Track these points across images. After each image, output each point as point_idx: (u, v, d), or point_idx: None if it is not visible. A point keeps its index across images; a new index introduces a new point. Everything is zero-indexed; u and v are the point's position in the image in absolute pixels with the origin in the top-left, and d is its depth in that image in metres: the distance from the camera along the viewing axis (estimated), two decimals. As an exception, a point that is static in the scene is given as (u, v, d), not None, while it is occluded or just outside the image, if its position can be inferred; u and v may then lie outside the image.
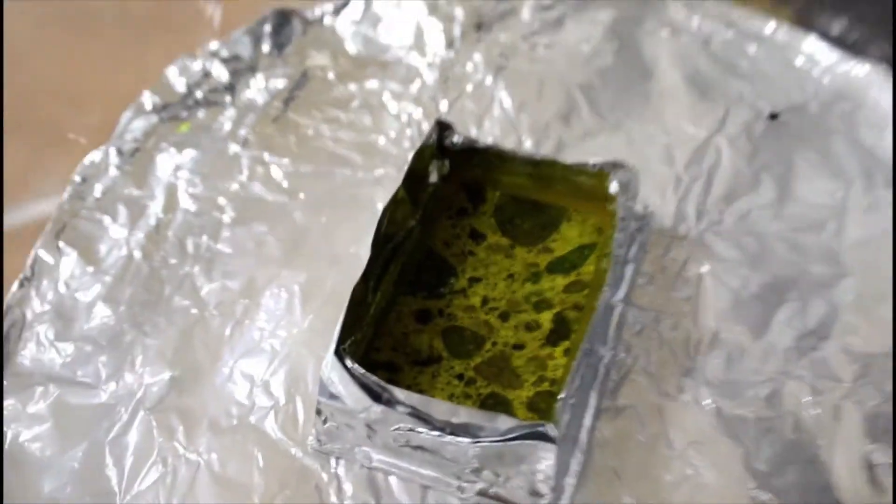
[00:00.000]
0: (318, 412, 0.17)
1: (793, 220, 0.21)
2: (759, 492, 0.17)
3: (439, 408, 0.15)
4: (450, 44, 0.25)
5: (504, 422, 0.15)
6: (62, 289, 0.20)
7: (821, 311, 0.19)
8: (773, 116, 0.23)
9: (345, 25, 0.25)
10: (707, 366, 0.18)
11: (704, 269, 0.20)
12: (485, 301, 0.18)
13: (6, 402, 0.18)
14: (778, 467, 0.17)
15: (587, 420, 0.17)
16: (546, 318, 0.18)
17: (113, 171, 0.22)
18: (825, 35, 0.24)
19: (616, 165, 0.19)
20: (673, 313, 0.19)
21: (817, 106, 0.23)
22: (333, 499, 0.17)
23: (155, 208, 0.21)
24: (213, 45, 0.24)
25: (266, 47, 0.24)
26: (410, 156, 0.19)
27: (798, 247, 0.20)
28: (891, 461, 0.17)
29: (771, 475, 0.17)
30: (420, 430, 0.16)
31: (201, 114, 0.23)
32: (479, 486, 0.16)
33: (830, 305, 0.19)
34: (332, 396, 0.17)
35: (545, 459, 0.15)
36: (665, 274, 0.20)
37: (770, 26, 0.25)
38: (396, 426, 0.16)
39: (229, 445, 0.18)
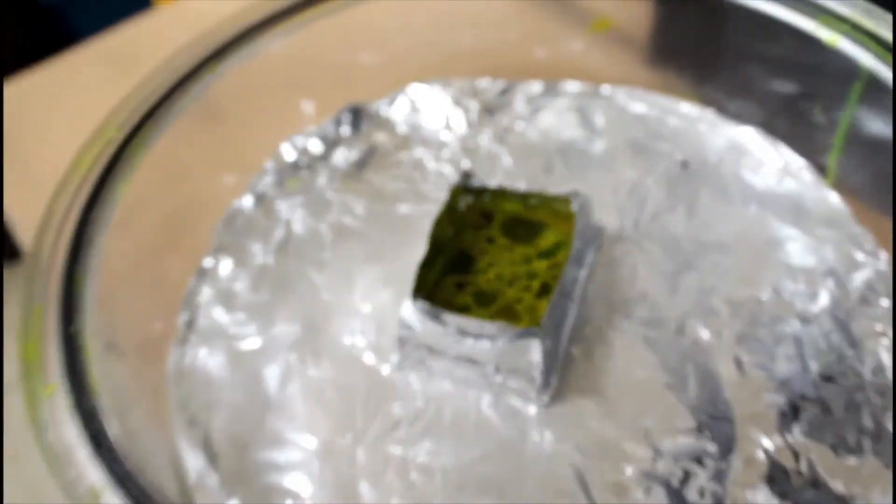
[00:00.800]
0: (400, 341, 0.28)
1: (697, 229, 0.32)
2: (672, 387, 0.27)
3: (476, 324, 0.26)
4: (469, 125, 0.36)
5: (511, 328, 0.26)
6: (224, 281, 0.31)
7: (713, 279, 0.30)
8: (685, 165, 0.34)
9: (397, 114, 0.37)
10: (637, 311, 0.29)
11: (637, 258, 0.31)
12: (497, 276, 0.29)
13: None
14: (683, 371, 0.28)
15: (562, 342, 0.28)
16: (535, 284, 0.29)
17: (250, 210, 0.33)
18: (721, 109, 0.36)
19: (576, 194, 0.30)
20: (615, 283, 0.30)
21: (715, 156, 0.34)
22: (417, 402, 0.27)
23: (279, 233, 0.33)
24: (311, 128, 0.36)
25: (345, 130, 0.36)
26: (446, 195, 0.30)
27: (699, 243, 0.31)
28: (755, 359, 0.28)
29: (678, 372, 0.28)
30: (465, 342, 0.27)
31: (304, 174, 0.35)
32: (499, 379, 0.27)
33: (719, 276, 0.30)
34: (408, 327, 0.27)
35: (535, 353, 0.26)
36: (611, 262, 0.31)
37: (684, 105, 0.36)
38: (453, 343, 0.27)
39: (341, 369, 0.28)
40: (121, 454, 0.21)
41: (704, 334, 0.28)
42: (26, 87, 0.59)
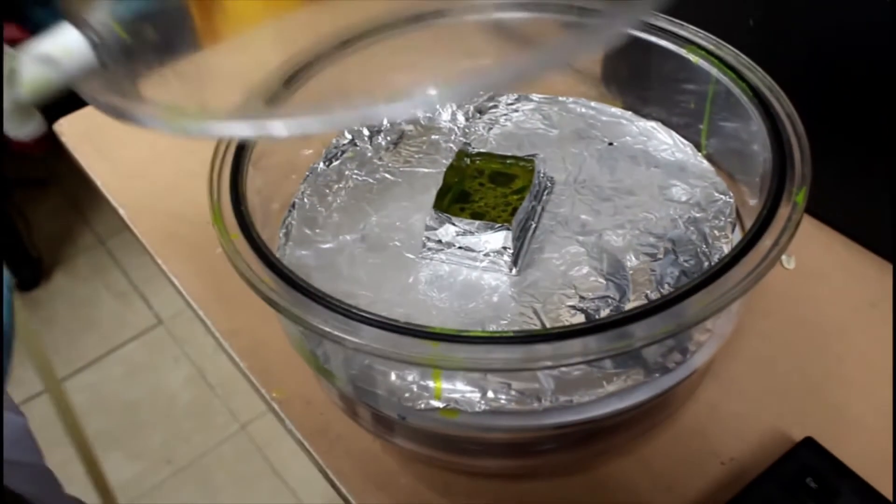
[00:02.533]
0: (425, 238, 0.44)
1: (615, 181, 0.49)
2: (593, 266, 0.44)
3: (471, 224, 0.43)
4: (467, 120, 0.54)
5: (493, 224, 0.43)
6: (307, 211, 0.48)
7: (623, 209, 0.47)
8: (610, 144, 0.51)
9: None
10: (573, 226, 0.46)
11: (574, 197, 0.48)
12: (485, 204, 0.46)
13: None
14: (601, 258, 0.44)
15: (525, 242, 0.45)
16: (509, 209, 0.46)
17: (323, 170, 0.51)
18: (637, 110, 0.53)
19: (535, 156, 0.47)
20: (560, 210, 0.47)
21: (631, 139, 0.52)
22: (438, 272, 0.44)
23: (342, 184, 0.50)
24: (362, 120, 0.53)
25: (384, 122, 0.54)
26: (451, 159, 0.48)
27: (616, 189, 0.48)
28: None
29: (598, 258, 0.44)
30: (465, 237, 0.43)
31: (357, 149, 0.52)
32: (486, 261, 0.44)
33: (627, 206, 0.47)
34: (431, 228, 0.44)
35: (507, 240, 0.43)
36: (558, 199, 0.48)
37: (613, 109, 0.54)
38: (457, 238, 0.43)
39: (387, 258, 0.45)
40: (280, 267, 0.37)
41: (615, 239, 0.45)
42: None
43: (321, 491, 1.40)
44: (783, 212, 0.37)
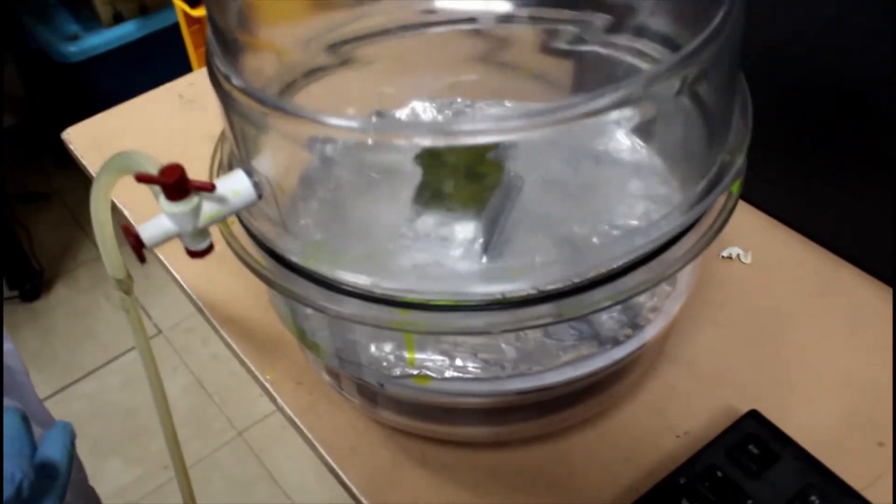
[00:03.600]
0: (404, 231, 0.49)
1: (580, 179, 0.53)
2: (557, 246, 0.48)
3: (446, 215, 0.47)
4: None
5: (466, 216, 0.47)
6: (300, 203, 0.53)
7: (586, 201, 0.51)
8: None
9: (402, 116, 0.59)
10: (539, 218, 0.50)
11: (542, 192, 0.52)
12: (460, 199, 0.51)
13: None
14: (565, 243, 0.49)
15: (496, 232, 0.49)
16: (480, 205, 0.50)
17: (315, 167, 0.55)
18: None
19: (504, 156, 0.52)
20: (528, 203, 0.51)
21: (598, 144, 0.56)
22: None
23: (330, 181, 0.54)
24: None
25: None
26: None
27: (581, 185, 0.53)
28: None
29: (561, 242, 0.49)
30: (444, 228, 0.48)
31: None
32: (461, 250, 0.48)
33: (590, 199, 0.51)
34: (410, 220, 0.48)
35: (477, 230, 0.47)
36: (527, 194, 0.52)
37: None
38: (437, 228, 0.48)
39: (367, 231, 0.49)
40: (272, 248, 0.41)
41: (577, 230, 0.49)
42: (121, 113, 0.82)
43: (316, 495, 1.44)
44: (720, 200, 0.41)
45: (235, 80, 0.38)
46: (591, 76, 0.60)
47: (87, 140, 0.80)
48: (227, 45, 0.40)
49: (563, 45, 0.51)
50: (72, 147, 0.79)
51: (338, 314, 0.36)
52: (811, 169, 0.59)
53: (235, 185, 0.38)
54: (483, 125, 0.33)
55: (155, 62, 1.95)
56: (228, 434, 1.54)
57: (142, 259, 0.39)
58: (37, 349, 1.75)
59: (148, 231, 0.37)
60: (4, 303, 1.85)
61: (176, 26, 1.90)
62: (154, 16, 1.96)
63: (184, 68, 1.69)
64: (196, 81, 0.85)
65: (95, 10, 1.93)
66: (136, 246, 0.38)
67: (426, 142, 0.34)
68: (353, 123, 0.35)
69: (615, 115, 0.36)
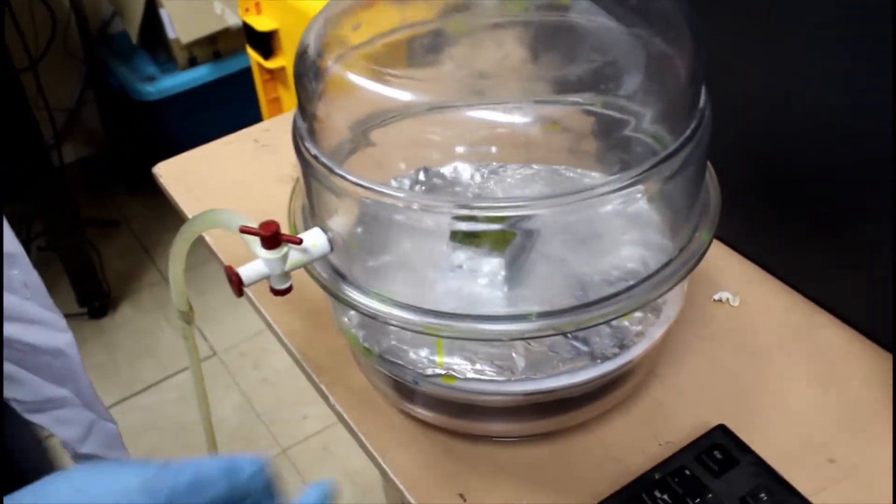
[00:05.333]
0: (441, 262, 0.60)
1: (590, 230, 0.64)
2: (572, 288, 0.59)
3: (476, 251, 0.58)
4: (482, 178, 0.70)
5: (492, 253, 0.58)
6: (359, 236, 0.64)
7: (596, 249, 0.62)
8: (590, 201, 0.67)
9: (446, 172, 0.71)
10: (553, 262, 0.61)
11: (556, 243, 0.63)
12: (488, 241, 0.62)
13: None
14: (577, 286, 0.59)
15: (515, 268, 0.60)
16: (505, 245, 0.61)
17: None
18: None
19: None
20: (545, 253, 0.62)
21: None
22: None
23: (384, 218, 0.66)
24: (406, 174, 0.70)
25: (421, 176, 0.70)
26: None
27: (591, 235, 0.64)
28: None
29: (575, 285, 0.59)
30: (472, 261, 0.59)
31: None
32: (486, 280, 0.59)
33: (597, 249, 0.62)
34: (447, 254, 0.59)
35: (501, 264, 0.58)
36: (541, 245, 0.63)
37: (593, 173, 0.69)
38: (465, 260, 0.59)
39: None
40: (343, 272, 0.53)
41: (586, 270, 0.60)
42: (203, 152, 0.95)
43: (352, 512, 1.55)
44: (692, 247, 0.52)
45: (312, 149, 0.50)
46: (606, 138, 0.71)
47: (175, 175, 0.92)
48: (309, 121, 0.52)
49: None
50: (161, 180, 0.92)
51: (385, 320, 0.48)
52: (793, 229, 0.70)
53: (315, 240, 0.50)
54: (508, 211, 0.45)
55: (224, 103, 2.11)
56: (273, 451, 1.66)
57: (240, 294, 0.51)
58: (101, 363, 1.89)
59: (247, 272, 0.49)
60: (73, 318, 1.99)
61: (245, 72, 2.06)
62: (226, 61, 2.12)
63: (251, 110, 1.84)
64: (270, 128, 0.98)
65: (172, 54, 2.10)
66: (238, 284, 0.49)
67: (460, 225, 0.46)
68: (398, 194, 0.47)
69: (625, 193, 0.48)
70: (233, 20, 2.01)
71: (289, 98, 1.40)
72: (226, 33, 2.06)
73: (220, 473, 0.39)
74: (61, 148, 2.07)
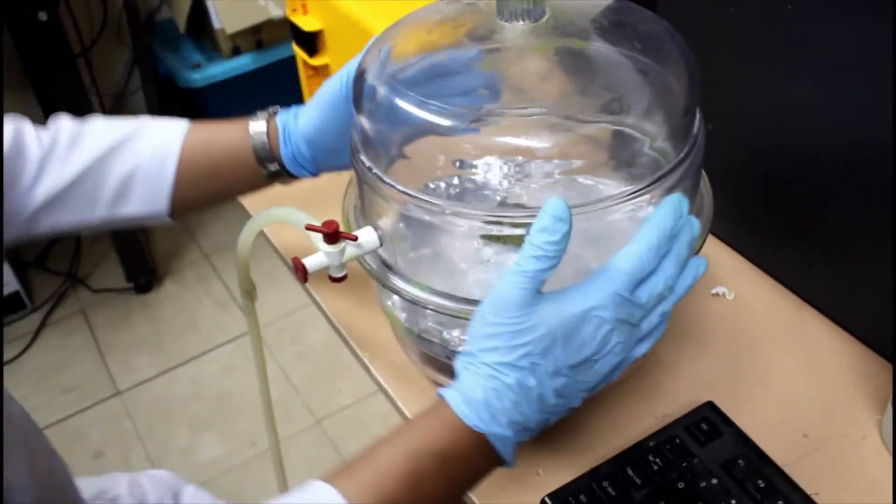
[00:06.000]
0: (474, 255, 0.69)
1: (604, 231, 0.73)
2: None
3: (503, 247, 0.68)
4: (509, 183, 0.79)
5: (517, 249, 0.68)
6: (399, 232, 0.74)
7: (609, 247, 0.71)
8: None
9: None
10: (569, 258, 0.70)
11: (573, 243, 0.72)
12: (513, 240, 0.71)
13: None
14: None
15: (537, 261, 0.69)
16: (529, 240, 0.71)
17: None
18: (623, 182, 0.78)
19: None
20: (571, 250, 0.71)
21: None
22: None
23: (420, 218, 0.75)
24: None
25: (456, 181, 0.79)
26: (496, 204, 0.73)
27: (604, 235, 0.73)
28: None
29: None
30: (499, 255, 0.68)
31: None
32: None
33: (610, 245, 0.71)
34: (478, 249, 0.69)
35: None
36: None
37: (609, 181, 0.79)
38: (493, 255, 0.68)
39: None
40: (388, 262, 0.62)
41: (596, 264, 0.69)
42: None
43: (379, 480, 1.65)
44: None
45: (366, 161, 0.60)
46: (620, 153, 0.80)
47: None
48: (363, 135, 0.62)
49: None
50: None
51: (425, 305, 0.57)
52: (785, 233, 0.78)
53: (367, 236, 0.60)
54: (531, 219, 0.54)
55: (267, 91, 2.22)
56: (308, 421, 1.77)
57: (304, 280, 0.61)
58: (147, 335, 2.01)
59: (311, 263, 0.59)
60: (120, 293, 2.11)
61: (286, 61, 2.16)
62: (268, 50, 2.22)
63: (291, 99, 1.94)
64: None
65: (217, 43, 2.21)
66: (303, 272, 0.59)
67: (490, 230, 0.55)
68: (437, 202, 0.56)
69: (634, 201, 0.57)
70: (275, 11, 2.11)
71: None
72: (268, 24, 2.15)
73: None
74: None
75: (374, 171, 0.60)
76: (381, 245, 0.60)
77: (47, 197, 0.72)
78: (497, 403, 0.50)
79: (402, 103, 0.60)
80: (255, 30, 2.17)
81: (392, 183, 0.59)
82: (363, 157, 0.61)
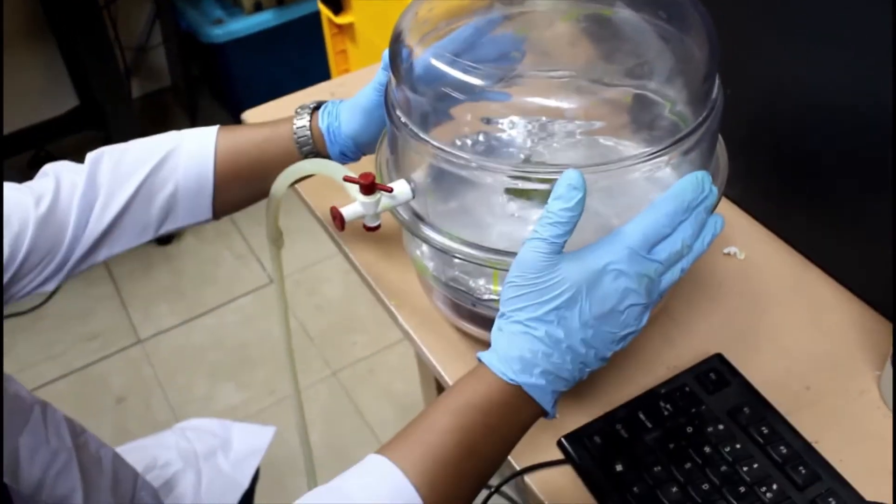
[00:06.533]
0: (498, 209, 0.73)
1: (623, 188, 0.77)
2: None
3: (527, 202, 0.72)
4: (532, 142, 0.82)
5: (539, 204, 0.71)
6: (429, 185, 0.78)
7: (622, 213, 0.75)
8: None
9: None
10: (589, 214, 0.74)
11: (593, 199, 0.76)
12: (536, 194, 0.75)
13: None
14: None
15: (558, 217, 0.73)
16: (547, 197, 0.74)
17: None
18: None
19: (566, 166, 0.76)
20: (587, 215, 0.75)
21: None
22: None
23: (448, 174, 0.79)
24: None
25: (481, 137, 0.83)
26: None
27: (622, 191, 0.76)
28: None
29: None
30: (523, 210, 0.72)
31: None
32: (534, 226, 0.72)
33: (624, 209, 0.75)
34: (502, 204, 0.73)
35: (546, 214, 0.71)
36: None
37: (629, 142, 0.82)
38: (517, 209, 0.72)
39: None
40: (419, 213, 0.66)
41: (615, 221, 0.73)
42: (283, 103, 1.08)
43: (394, 431, 1.71)
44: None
45: (402, 117, 0.63)
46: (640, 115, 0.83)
47: (261, 119, 1.06)
48: (401, 93, 0.65)
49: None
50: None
51: (453, 254, 0.61)
52: (795, 196, 0.82)
53: (401, 188, 0.64)
54: (555, 175, 0.57)
55: (288, 48, 2.24)
56: (324, 373, 1.82)
57: (342, 229, 0.64)
58: (168, 286, 2.06)
59: (347, 212, 0.63)
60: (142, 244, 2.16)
61: (306, 18, 2.18)
62: (289, 7, 2.24)
63: (312, 56, 1.96)
64: (345, 83, 1.11)
65: (239, -1, 2.22)
66: (340, 221, 0.63)
67: (515, 184, 0.59)
68: (465, 155, 0.60)
69: (652, 162, 0.61)
70: (297, -32, 2.12)
71: (355, 51, 1.52)
72: (290, -19, 2.17)
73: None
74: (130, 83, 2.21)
75: (409, 125, 0.64)
76: (414, 197, 0.64)
77: (98, 235, 0.75)
78: (529, 356, 0.54)
79: (434, 63, 0.64)
80: (277, -14, 2.19)
81: (425, 137, 0.63)
82: (398, 113, 0.65)
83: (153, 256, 2.13)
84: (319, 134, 0.79)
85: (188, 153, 0.78)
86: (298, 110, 0.81)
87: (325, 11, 1.51)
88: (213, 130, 0.79)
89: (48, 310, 2.01)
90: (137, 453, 0.97)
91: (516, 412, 0.55)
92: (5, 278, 0.71)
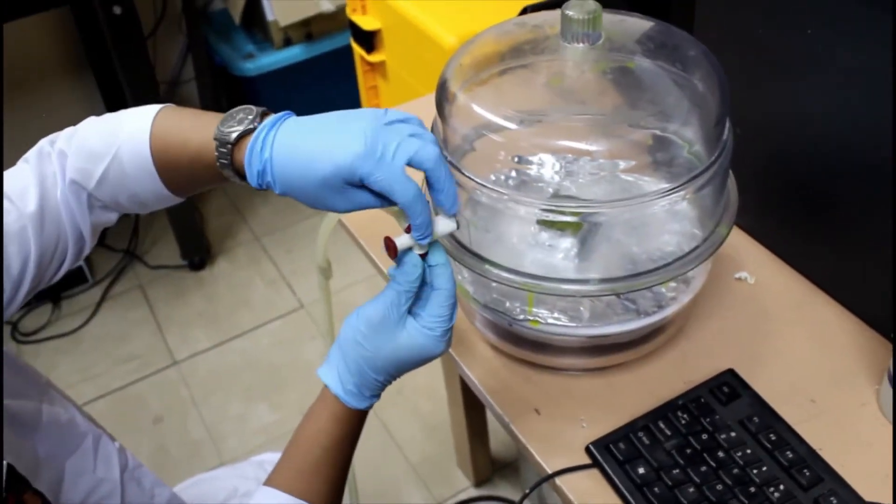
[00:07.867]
0: (530, 239, 0.81)
1: (641, 221, 0.85)
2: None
3: (557, 232, 0.80)
4: (560, 179, 0.91)
5: (567, 233, 0.79)
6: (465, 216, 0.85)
7: (636, 238, 0.82)
8: (642, 197, 0.87)
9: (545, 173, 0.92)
10: (612, 244, 0.82)
11: (615, 228, 0.84)
12: (564, 225, 0.83)
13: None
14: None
15: (584, 251, 0.81)
16: (577, 229, 0.82)
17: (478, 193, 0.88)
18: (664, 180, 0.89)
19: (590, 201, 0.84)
20: (608, 236, 0.83)
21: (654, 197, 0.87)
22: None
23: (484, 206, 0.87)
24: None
25: (513, 173, 0.91)
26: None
27: (641, 225, 0.84)
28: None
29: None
30: (554, 238, 0.80)
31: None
32: (563, 253, 0.80)
33: (638, 235, 0.83)
34: (534, 233, 0.81)
35: (573, 242, 0.79)
36: (604, 230, 0.84)
37: (648, 178, 0.90)
38: (548, 238, 0.80)
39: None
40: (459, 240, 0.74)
41: (635, 251, 0.81)
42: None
43: (421, 449, 1.77)
44: (714, 237, 0.72)
45: (446, 154, 0.72)
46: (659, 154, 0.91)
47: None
48: (444, 131, 0.74)
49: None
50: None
51: (493, 279, 0.69)
52: (802, 225, 0.89)
53: (445, 223, 0.71)
54: (582, 209, 0.65)
55: (317, 81, 2.34)
56: (353, 393, 1.89)
57: (394, 257, 0.72)
58: (202, 310, 2.14)
59: (401, 242, 0.71)
60: (176, 270, 2.25)
61: (334, 53, 2.28)
62: (318, 42, 2.34)
63: (339, 88, 2.06)
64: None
65: (269, 34, 2.33)
66: (394, 250, 0.71)
67: (546, 216, 0.67)
68: (498, 188, 0.68)
69: (669, 198, 0.69)
70: (326, 5, 2.22)
71: (386, 88, 1.61)
72: (318, 17, 2.27)
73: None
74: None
75: (452, 161, 0.72)
76: (458, 228, 0.72)
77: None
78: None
79: (475, 107, 0.72)
80: (306, 22, 2.28)
81: (468, 174, 0.71)
82: (445, 153, 0.73)
83: (186, 281, 2.21)
84: (242, 156, 0.64)
85: (130, 124, 0.70)
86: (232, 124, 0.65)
87: (358, 50, 1.60)
88: (154, 107, 0.71)
89: (87, 333, 2.10)
90: (212, 483, 1.03)
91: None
92: (30, 286, 0.70)
